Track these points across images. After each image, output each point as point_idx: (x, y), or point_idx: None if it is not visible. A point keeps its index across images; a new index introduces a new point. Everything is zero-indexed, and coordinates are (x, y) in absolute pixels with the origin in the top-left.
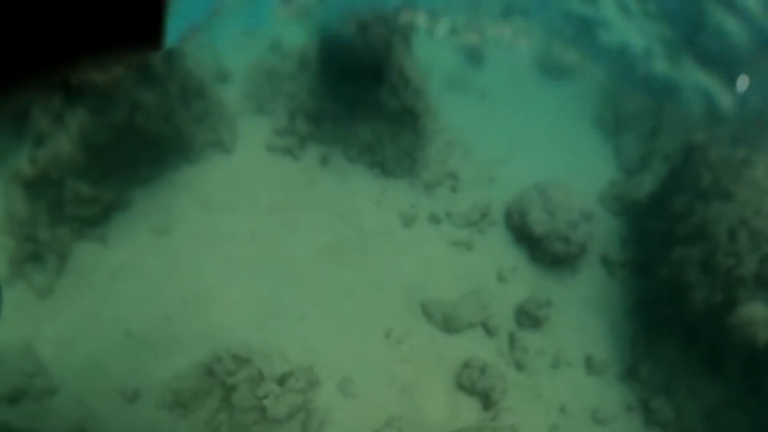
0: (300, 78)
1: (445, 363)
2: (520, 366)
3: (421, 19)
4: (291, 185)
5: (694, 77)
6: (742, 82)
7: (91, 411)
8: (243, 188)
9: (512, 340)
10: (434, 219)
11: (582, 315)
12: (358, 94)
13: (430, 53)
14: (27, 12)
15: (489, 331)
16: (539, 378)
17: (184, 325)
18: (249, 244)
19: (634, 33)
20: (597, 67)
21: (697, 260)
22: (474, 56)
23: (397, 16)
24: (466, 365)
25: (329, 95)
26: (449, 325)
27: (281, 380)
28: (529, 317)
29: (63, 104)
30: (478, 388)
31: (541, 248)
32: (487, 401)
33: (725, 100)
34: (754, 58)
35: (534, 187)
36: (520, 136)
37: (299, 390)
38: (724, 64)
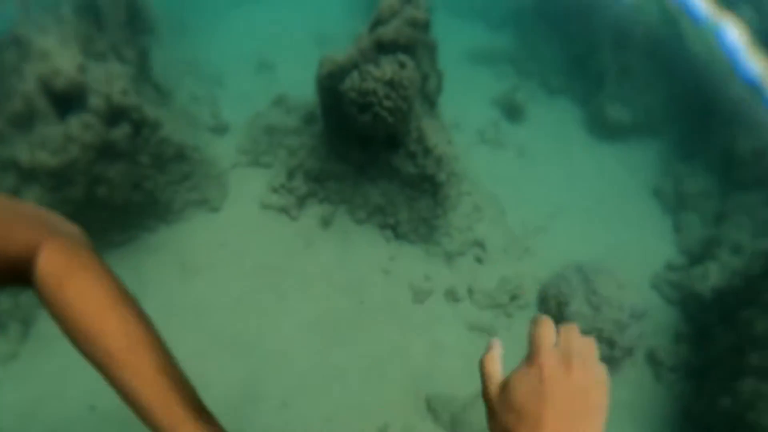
0: (303, 133)
1: None
2: None
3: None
4: (284, 247)
5: None
6: None
7: None
8: (228, 250)
9: None
10: (452, 295)
11: (620, 422)
12: (367, 156)
13: (462, 103)
14: None
15: None
16: None
17: None
18: (229, 313)
19: None
20: (656, 132)
21: None
22: (513, 110)
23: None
24: None
25: (334, 154)
26: (458, 429)
27: None
28: None
29: (17, 183)
30: None
31: None
32: None
33: None
34: None
35: (577, 268)
36: (563, 201)
37: None
38: None
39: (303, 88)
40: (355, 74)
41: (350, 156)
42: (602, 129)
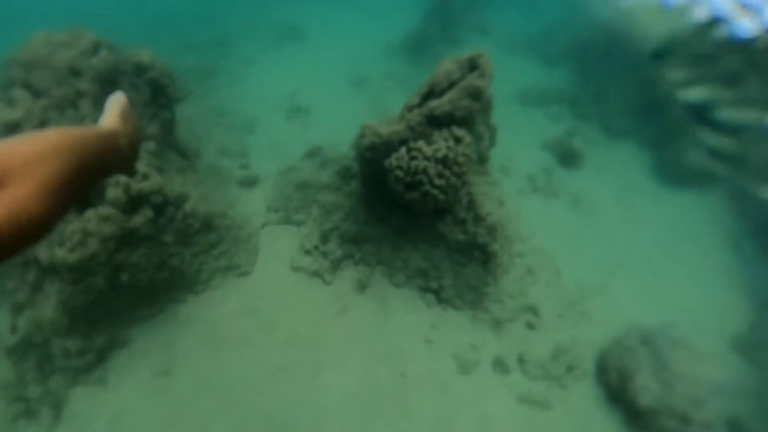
0: (339, 190)
1: None
2: None
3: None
4: (318, 314)
5: None
6: None
7: None
8: (259, 319)
9: None
10: (501, 366)
11: None
12: (409, 220)
13: (513, 147)
14: None
15: None
16: None
17: None
18: (262, 390)
19: None
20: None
21: None
22: (568, 155)
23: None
24: None
25: (372, 217)
26: None
27: None
28: None
29: (38, 277)
30: None
31: (645, 421)
32: None
33: None
34: None
35: (644, 338)
36: (624, 256)
37: None
38: None
39: (338, 134)
40: (402, 151)
41: (390, 220)
42: (676, 176)
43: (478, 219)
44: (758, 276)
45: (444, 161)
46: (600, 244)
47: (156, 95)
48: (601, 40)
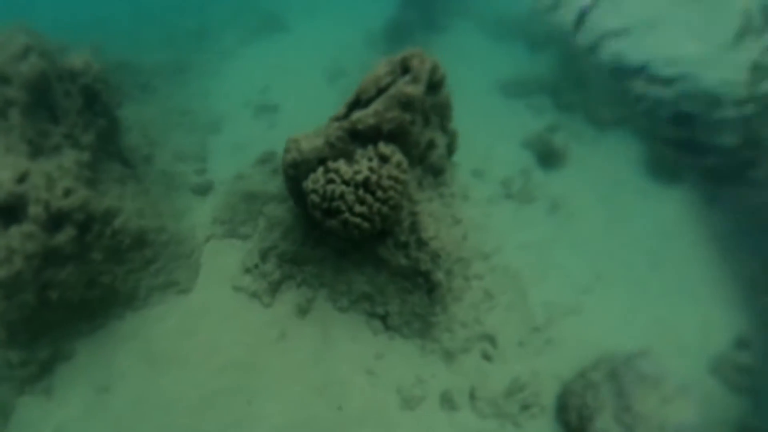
0: (284, 203)
1: None
2: None
3: None
4: (256, 338)
5: None
6: None
7: None
8: (197, 340)
9: None
10: (449, 402)
11: None
12: (349, 243)
13: (489, 145)
14: None
15: None
16: None
17: None
18: (197, 415)
19: None
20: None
21: None
22: (549, 154)
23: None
24: None
25: (311, 237)
26: None
27: None
28: None
29: None
30: None
31: None
32: None
33: None
34: None
35: (610, 368)
36: (605, 267)
37: None
38: None
39: None
40: (319, 172)
41: (328, 240)
42: (669, 169)
43: (422, 243)
44: (745, 284)
45: (366, 185)
46: (577, 256)
47: (90, 102)
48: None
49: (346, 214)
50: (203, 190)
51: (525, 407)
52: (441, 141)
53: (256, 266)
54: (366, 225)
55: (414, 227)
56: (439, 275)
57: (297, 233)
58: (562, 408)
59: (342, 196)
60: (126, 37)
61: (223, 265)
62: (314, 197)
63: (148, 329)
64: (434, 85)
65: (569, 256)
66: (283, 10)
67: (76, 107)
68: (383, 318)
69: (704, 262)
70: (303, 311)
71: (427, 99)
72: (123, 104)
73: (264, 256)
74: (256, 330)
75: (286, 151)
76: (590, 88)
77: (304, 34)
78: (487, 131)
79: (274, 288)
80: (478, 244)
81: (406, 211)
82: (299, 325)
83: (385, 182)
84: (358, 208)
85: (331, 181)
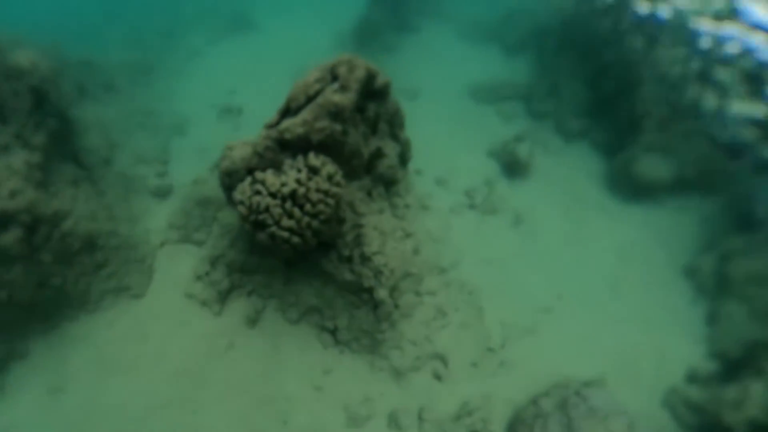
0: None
1: None
2: None
3: None
4: (205, 348)
5: None
6: None
7: None
8: (149, 346)
9: None
10: (396, 422)
11: None
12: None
13: (456, 152)
14: None
15: None
16: None
17: None
18: (142, 420)
19: None
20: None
21: None
22: (514, 164)
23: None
24: None
25: (258, 246)
26: None
27: None
28: None
29: None
30: None
31: None
32: None
33: None
34: None
35: (561, 398)
36: (565, 288)
37: None
38: None
39: None
40: (246, 183)
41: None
42: (630, 187)
43: (365, 258)
44: (703, 313)
45: (293, 198)
46: (539, 272)
47: (40, 102)
48: (557, 26)
49: (273, 228)
50: (163, 194)
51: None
52: (392, 150)
53: (207, 274)
54: (296, 240)
55: (358, 241)
56: (382, 292)
57: (245, 242)
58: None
59: (267, 209)
60: (91, 35)
61: (176, 271)
62: (242, 209)
63: (100, 333)
64: (376, 93)
65: (530, 274)
66: (253, 10)
67: (26, 107)
68: (333, 332)
69: (663, 288)
70: (252, 321)
71: (370, 107)
72: (84, 104)
73: (213, 263)
74: (205, 339)
75: (222, 158)
76: (563, 96)
77: (273, 35)
78: (455, 138)
79: (224, 297)
80: (435, 257)
81: (349, 224)
82: (248, 335)
83: (314, 195)
84: (285, 222)
85: (257, 192)
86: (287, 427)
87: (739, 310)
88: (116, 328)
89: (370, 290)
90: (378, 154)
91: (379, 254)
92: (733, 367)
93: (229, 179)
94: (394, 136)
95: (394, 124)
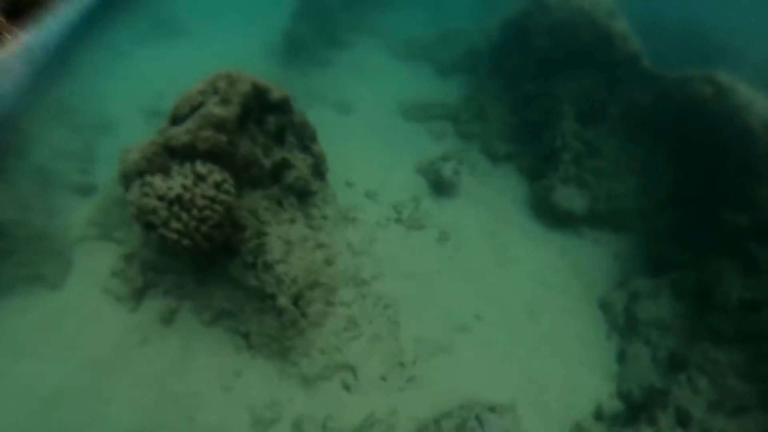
0: None
1: None
2: None
3: None
4: (119, 341)
5: None
6: None
7: None
8: (62, 335)
9: None
10: (299, 428)
11: None
12: (202, 257)
13: (386, 168)
14: None
15: None
16: None
17: None
18: (51, 408)
19: None
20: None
21: None
22: (441, 183)
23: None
24: None
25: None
26: None
27: None
28: None
29: None
30: None
31: None
32: None
33: None
34: None
35: (461, 420)
36: (485, 307)
37: None
38: None
39: None
40: (136, 185)
41: (182, 254)
42: (551, 215)
43: (267, 266)
44: (615, 349)
45: (180, 202)
46: (459, 291)
47: None
48: (487, 50)
49: (162, 229)
50: (85, 191)
51: None
52: (301, 162)
53: (123, 271)
54: (186, 242)
55: (261, 249)
56: (283, 300)
57: (157, 242)
58: None
59: (155, 211)
60: None
61: (94, 266)
62: (132, 209)
63: (12, 318)
64: (273, 106)
65: (450, 292)
66: (183, 15)
67: None
68: (245, 336)
69: (579, 319)
70: (167, 320)
71: (269, 119)
72: None
73: (129, 261)
74: (119, 333)
75: (119, 161)
76: (489, 120)
77: (204, 42)
78: (387, 153)
79: (139, 294)
80: (354, 269)
81: (252, 231)
82: (162, 333)
83: (200, 201)
84: (174, 224)
85: (145, 194)
86: (193, 424)
87: (644, 352)
88: (29, 316)
89: (273, 297)
90: (285, 164)
91: (281, 263)
92: (636, 409)
93: (126, 181)
94: (305, 148)
95: (304, 136)
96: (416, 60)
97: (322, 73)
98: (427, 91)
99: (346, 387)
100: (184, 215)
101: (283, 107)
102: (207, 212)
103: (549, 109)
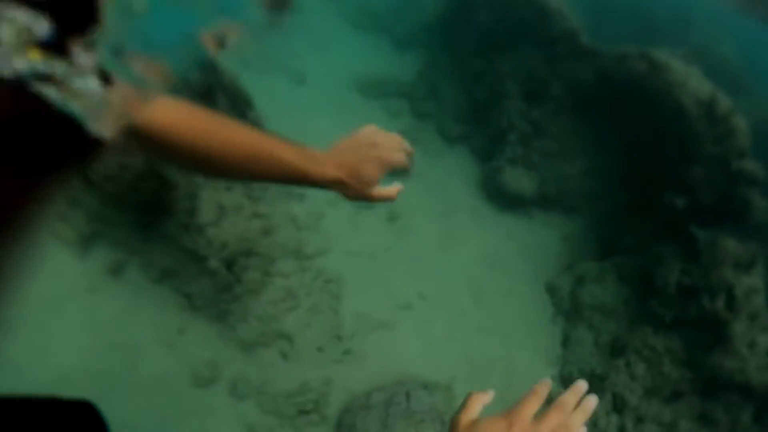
0: None
1: None
2: None
3: None
4: (67, 285)
5: None
6: None
7: None
8: None
9: None
10: (236, 389)
11: None
12: (142, 210)
13: None
14: None
15: None
16: None
17: None
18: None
19: None
20: (572, 210)
21: None
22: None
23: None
24: None
25: (112, 197)
26: None
27: None
28: None
29: None
30: None
31: None
32: None
33: None
34: None
35: (390, 395)
36: (430, 288)
37: None
38: None
39: None
40: None
41: (126, 206)
42: (501, 197)
43: (199, 228)
44: (560, 333)
45: None
46: (405, 270)
47: None
48: (439, 24)
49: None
50: None
51: (305, 412)
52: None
53: (69, 217)
54: (110, 187)
55: (192, 210)
56: (214, 262)
57: (100, 191)
58: (338, 424)
59: None
60: None
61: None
62: None
63: None
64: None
65: (396, 270)
66: None
67: None
68: (189, 297)
69: (524, 302)
70: (114, 272)
71: (195, 76)
72: None
73: (72, 206)
74: (66, 277)
75: None
76: (442, 98)
77: None
78: (341, 130)
79: (86, 241)
80: (296, 243)
81: (184, 191)
82: (110, 284)
83: None
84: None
85: None
86: (136, 373)
87: (587, 336)
88: None
89: (204, 259)
90: None
91: (212, 226)
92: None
93: None
94: (241, 114)
95: (237, 100)
96: (373, 31)
97: (272, 35)
98: (383, 66)
99: (284, 355)
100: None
101: (206, 66)
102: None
103: (495, 88)
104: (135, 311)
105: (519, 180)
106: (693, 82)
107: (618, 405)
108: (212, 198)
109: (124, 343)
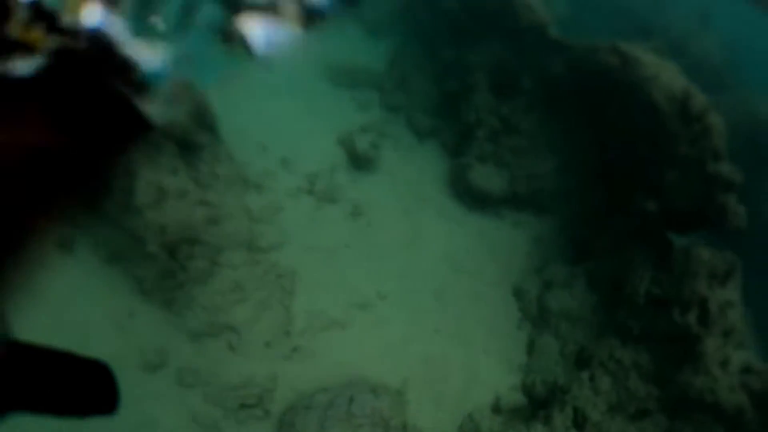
0: None
1: None
2: None
3: None
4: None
5: None
6: None
7: None
8: None
9: None
10: (183, 378)
11: None
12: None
13: (304, 135)
14: None
15: None
16: None
17: None
18: None
19: None
20: (543, 210)
21: None
22: (359, 158)
23: None
24: None
25: None
26: None
27: None
28: None
29: None
30: None
31: None
32: None
33: None
34: None
35: (333, 397)
36: (391, 288)
37: None
38: None
39: None
40: None
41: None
42: (469, 195)
43: (136, 209)
44: (525, 339)
45: None
46: (365, 269)
47: None
48: (406, 12)
49: None
50: None
51: (248, 406)
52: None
53: None
54: None
55: (130, 191)
56: (152, 246)
57: None
58: (280, 421)
59: None
60: None
61: None
62: None
63: None
64: None
65: (356, 268)
66: None
67: None
68: (139, 281)
69: (489, 306)
70: (64, 246)
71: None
72: None
73: None
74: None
75: None
76: (412, 90)
77: None
78: (309, 119)
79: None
80: (248, 234)
81: (121, 167)
82: (60, 262)
83: None
84: None
85: None
86: (87, 350)
87: (553, 345)
88: None
89: (143, 242)
90: None
91: (150, 209)
92: (538, 405)
93: None
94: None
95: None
96: (344, 17)
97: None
98: (355, 55)
99: (231, 347)
100: None
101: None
102: None
103: (465, 80)
104: (85, 291)
105: (488, 178)
106: (665, 77)
107: (579, 420)
108: (151, 179)
109: (75, 321)
